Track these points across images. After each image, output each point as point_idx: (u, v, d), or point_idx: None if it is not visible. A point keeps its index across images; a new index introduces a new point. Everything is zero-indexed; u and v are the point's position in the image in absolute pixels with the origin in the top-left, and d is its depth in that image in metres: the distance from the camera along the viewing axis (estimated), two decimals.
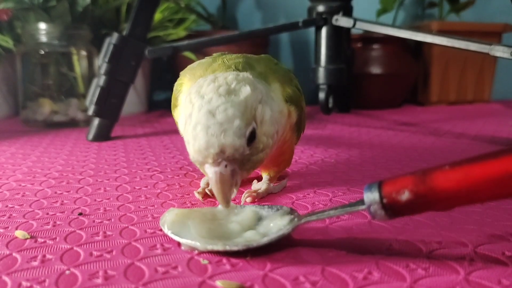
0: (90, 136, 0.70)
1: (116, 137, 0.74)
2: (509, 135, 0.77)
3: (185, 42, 0.72)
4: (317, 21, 0.76)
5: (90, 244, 0.30)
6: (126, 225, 0.34)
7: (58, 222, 0.35)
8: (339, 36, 0.78)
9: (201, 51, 0.93)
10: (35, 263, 0.27)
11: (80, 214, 0.37)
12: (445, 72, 1.23)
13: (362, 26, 0.74)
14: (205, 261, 0.28)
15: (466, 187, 0.24)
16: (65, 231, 0.33)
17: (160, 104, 1.23)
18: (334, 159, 0.57)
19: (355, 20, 0.74)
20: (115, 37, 0.68)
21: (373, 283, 0.25)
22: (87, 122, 0.86)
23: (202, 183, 0.44)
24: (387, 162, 0.55)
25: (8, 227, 0.34)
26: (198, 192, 0.42)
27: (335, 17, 0.76)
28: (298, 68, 1.34)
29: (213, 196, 0.41)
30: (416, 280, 0.25)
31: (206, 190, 0.42)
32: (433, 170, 0.25)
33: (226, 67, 0.37)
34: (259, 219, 0.32)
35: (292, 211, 0.31)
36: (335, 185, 0.45)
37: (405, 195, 0.25)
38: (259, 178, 0.45)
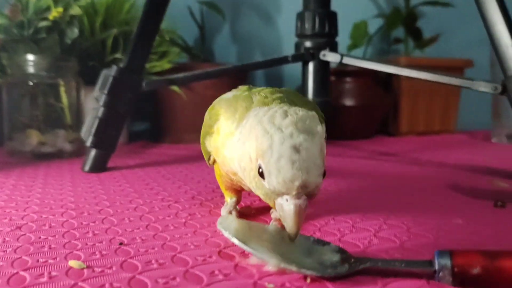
0: (87, 168, 0.70)
1: (111, 168, 0.74)
2: (486, 163, 0.83)
3: (181, 75, 0.74)
4: (305, 56, 0.80)
5: (148, 272, 0.31)
6: (174, 253, 0.35)
7: (104, 252, 0.35)
8: (325, 70, 0.82)
9: (187, 85, 0.95)
10: None
11: (121, 244, 0.37)
12: (414, 104, 1.30)
13: (348, 61, 0.78)
14: (271, 285, 0.29)
15: None
16: (116, 260, 0.33)
17: (140, 135, 1.23)
18: (336, 188, 0.60)
19: (342, 55, 0.78)
20: (114, 69, 0.69)
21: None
22: (74, 153, 0.85)
23: (224, 212, 0.45)
24: (392, 190, 0.59)
25: (56, 258, 0.34)
26: None
27: (322, 52, 0.80)
28: None
29: None
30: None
31: None
32: (503, 253, 0.29)
33: (269, 103, 0.38)
34: (308, 249, 0.33)
35: (341, 250, 0.33)
36: (349, 212, 0.48)
37: (476, 270, 0.29)
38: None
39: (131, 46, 0.70)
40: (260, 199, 0.53)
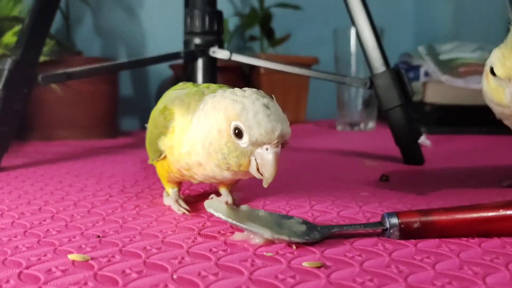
0: None
1: (2, 168, 0.69)
2: (340, 147, 0.97)
3: (79, 69, 0.72)
4: (195, 53, 0.84)
5: (155, 255, 0.34)
6: (160, 239, 0.38)
7: (91, 245, 0.36)
8: (214, 66, 0.87)
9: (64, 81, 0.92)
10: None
11: (99, 236, 0.38)
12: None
13: (236, 58, 0.84)
14: (270, 253, 0.34)
15: (451, 224, 0.38)
16: (114, 249, 0.35)
17: None
18: None
19: (231, 52, 0.84)
20: (8, 62, 0.65)
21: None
22: None
23: (170, 201, 0.48)
24: (294, 174, 0.67)
25: (46, 255, 0.34)
26: (179, 209, 0.46)
27: (211, 49, 0.85)
28: (138, 96, 1.39)
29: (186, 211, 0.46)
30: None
31: (184, 207, 0.47)
32: (432, 210, 0.39)
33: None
34: (278, 223, 0.39)
35: (305, 221, 0.40)
36: (274, 193, 0.54)
37: (416, 224, 0.38)
38: (210, 193, 0.52)
39: (25, 37, 0.66)
40: (190, 189, 0.57)
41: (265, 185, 0.38)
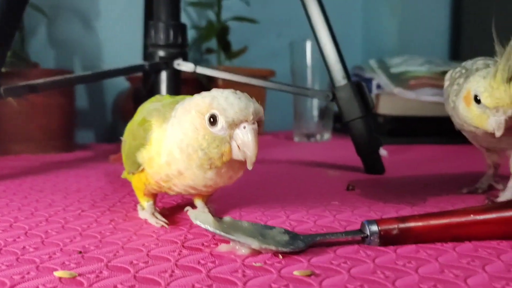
0: None
1: None
2: (304, 158, 0.99)
3: (41, 81, 0.70)
4: (160, 65, 0.84)
5: (144, 269, 0.33)
6: (145, 252, 0.37)
7: (74, 261, 0.35)
8: (178, 78, 0.87)
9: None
10: None
11: (80, 252, 0.38)
12: None
13: (201, 71, 0.85)
14: (259, 264, 0.35)
15: (427, 230, 0.40)
16: (100, 265, 0.34)
17: None
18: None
19: (195, 65, 0.84)
20: None
21: None
22: None
23: (146, 215, 0.48)
24: (269, 185, 0.68)
25: (29, 272, 0.33)
26: (157, 222, 0.46)
27: (176, 61, 0.85)
28: (94, 108, 1.36)
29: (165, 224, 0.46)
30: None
31: (162, 219, 0.46)
32: (409, 217, 0.41)
33: None
34: (261, 233, 0.40)
35: (287, 231, 0.40)
36: (248, 205, 0.55)
37: (395, 231, 0.39)
38: (183, 205, 0.52)
39: None
40: (163, 202, 0.57)
41: (249, 166, 0.39)
